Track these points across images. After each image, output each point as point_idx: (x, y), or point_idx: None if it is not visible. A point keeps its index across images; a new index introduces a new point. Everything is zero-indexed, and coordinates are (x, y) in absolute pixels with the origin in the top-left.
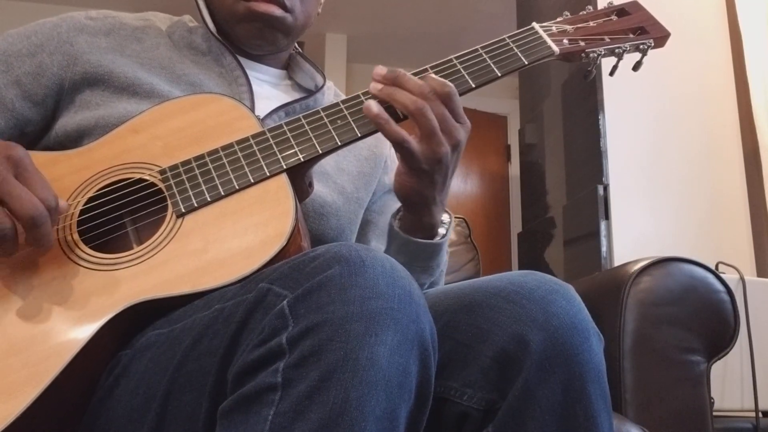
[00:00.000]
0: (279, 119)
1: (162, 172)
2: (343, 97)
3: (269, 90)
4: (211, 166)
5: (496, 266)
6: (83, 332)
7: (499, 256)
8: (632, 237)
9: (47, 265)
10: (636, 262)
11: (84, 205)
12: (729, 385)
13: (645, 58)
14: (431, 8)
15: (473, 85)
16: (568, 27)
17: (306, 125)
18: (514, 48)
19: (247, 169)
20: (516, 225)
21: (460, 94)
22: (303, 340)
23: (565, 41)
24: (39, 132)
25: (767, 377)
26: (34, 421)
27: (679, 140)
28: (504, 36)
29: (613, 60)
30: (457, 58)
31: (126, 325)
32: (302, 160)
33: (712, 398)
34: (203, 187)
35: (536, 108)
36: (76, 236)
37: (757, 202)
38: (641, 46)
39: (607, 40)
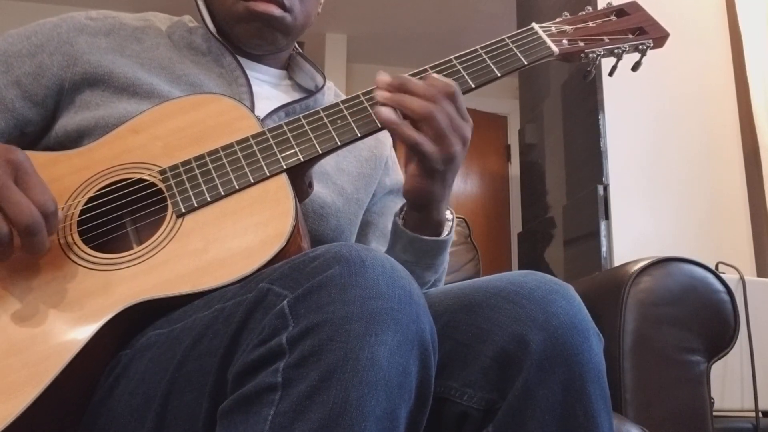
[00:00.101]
0: (279, 119)
1: (162, 172)
2: (343, 97)
3: (269, 90)
4: (211, 166)
5: (496, 266)
6: (83, 332)
7: (499, 256)
8: (632, 237)
9: (47, 265)
10: (636, 262)
11: (84, 205)
12: (729, 385)
13: (644, 58)
14: (431, 8)
15: (473, 86)
16: (568, 27)
17: (306, 125)
18: (514, 48)
19: (247, 169)
20: (516, 225)
21: None
22: (303, 340)
23: (565, 41)
24: (39, 132)
25: (767, 377)
26: (34, 421)
27: (679, 140)
28: (504, 36)
29: (612, 60)
30: (456, 58)
31: (126, 325)
32: (302, 160)
33: (712, 398)
34: (203, 187)
35: (536, 108)
36: (76, 236)
37: (757, 202)
38: (640, 47)
39: (607, 40)
